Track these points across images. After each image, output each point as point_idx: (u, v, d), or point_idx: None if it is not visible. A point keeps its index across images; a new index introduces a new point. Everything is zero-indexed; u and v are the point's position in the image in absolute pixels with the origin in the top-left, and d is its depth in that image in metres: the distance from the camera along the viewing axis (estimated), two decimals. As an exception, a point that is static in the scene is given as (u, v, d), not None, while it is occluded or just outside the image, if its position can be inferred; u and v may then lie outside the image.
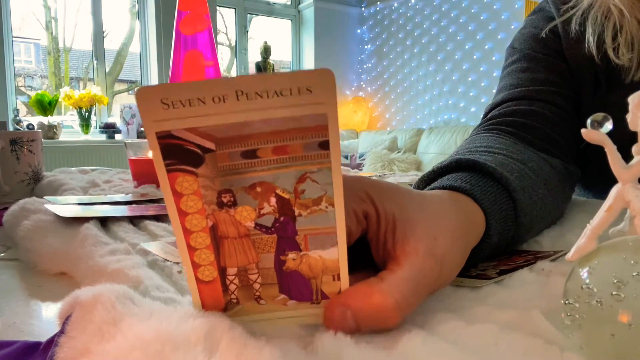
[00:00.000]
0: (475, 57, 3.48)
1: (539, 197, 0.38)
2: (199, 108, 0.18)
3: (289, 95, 0.18)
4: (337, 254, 0.22)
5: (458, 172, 0.35)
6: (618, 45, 0.50)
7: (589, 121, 0.21)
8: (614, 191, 0.21)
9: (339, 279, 0.22)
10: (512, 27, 3.19)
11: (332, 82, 0.19)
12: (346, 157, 3.66)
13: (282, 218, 0.21)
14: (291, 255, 0.22)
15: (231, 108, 0.19)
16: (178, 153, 0.19)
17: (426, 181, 0.37)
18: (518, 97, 0.53)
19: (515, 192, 0.34)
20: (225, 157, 0.20)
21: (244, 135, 0.20)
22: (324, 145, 0.20)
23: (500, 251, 0.35)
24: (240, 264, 0.22)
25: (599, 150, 0.21)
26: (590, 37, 0.52)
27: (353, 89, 4.41)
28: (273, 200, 0.21)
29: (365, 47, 4.33)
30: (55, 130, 3.09)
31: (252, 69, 3.91)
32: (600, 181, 0.58)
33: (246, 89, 0.18)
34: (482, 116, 0.56)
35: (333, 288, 0.22)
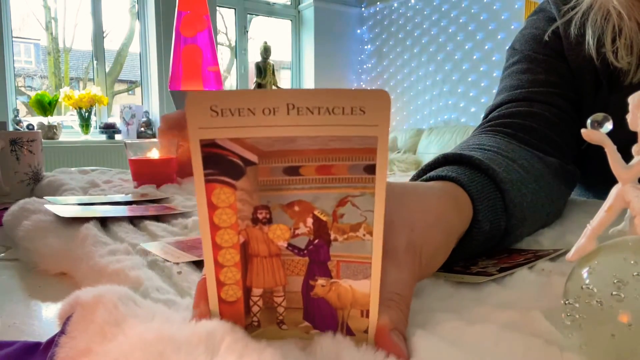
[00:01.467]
0: (475, 57, 3.48)
1: (529, 191, 0.38)
2: (247, 118, 0.18)
3: (340, 113, 0.18)
4: (369, 288, 0.20)
5: (445, 166, 0.36)
6: (617, 48, 0.50)
7: (589, 121, 0.21)
8: (614, 191, 0.21)
9: (367, 315, 0.21)
10: (512, 27, 3.19)
11: (388, 104, 0.18)
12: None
13: (316, 241, 0.20)
14: (321, 281, 0.21)
15: (280, 121, 0.18)
16: (219, 163, 0.19)
17: (415, 179, 0.37)
18: (518, 98, 0.53)
19: (503, 182, 0.34)
20: (266, 172, 0.20)
21: (288, 151, 0.19)
22: (370, 170, 0.19)
23: (495, 243, 0.35)
24: (267, 285, 0.21)
25: (600, 150, 0.21)
26: (589, 40, 0.52)
27: (353, 89, 4.41)
28: (310, 221, 0.20)
29: (365, 47, 4.33)
30: (55, 130, 3.09)
31: (252, 69, 3.91)
32: (601, 181, 0.58)
33: (298, 102, 0.18)
34: (482, 117, 0.56)
35: (360, 325, 0.21)
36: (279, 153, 0.19)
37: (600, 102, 0.54)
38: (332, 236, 0.20)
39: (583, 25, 0.53)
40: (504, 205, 0.34)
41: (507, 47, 0.62)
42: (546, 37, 0.56)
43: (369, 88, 4.33)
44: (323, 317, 0.21)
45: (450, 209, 0.30)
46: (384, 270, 0.22)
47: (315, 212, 0.20)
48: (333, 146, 0.19)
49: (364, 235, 0.20)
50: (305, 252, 0.20)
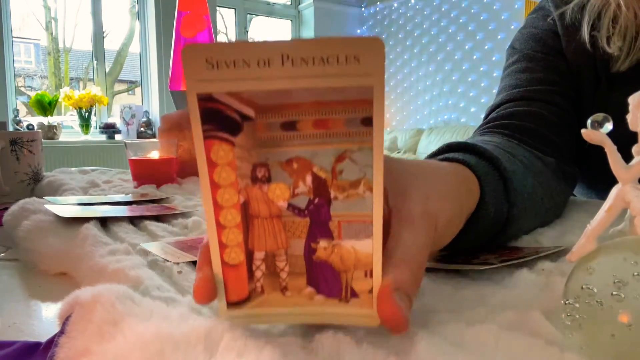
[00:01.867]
0: (475, 57, 3.48)
1: (529, 183, 0.38)
2: (243, 70, 0.18)
3: (335, 63, 0.18)
4: (372, 248, 0.20)
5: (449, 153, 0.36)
6: (611, 35, 0.50)
7: (589, 121, 0.21)
8: (614, 191, 0.21)
9: (371, 275, 0.20)
10: (512, 27, 3.19)
11: (382, 52, 0.18)
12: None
13: (316, 200, 0.20)
14: (323, 244, 0.20)
15: (275, 73, 0.18)
16: (217, 118, 0.19)
17: None
18: (516, 98, 0.54)
19: (506, 171, 0.34)
20: (264, 128, 0.19)
21: (285, 105, 0.19)
22: (367, 122, 0.19)
23: (498, 231, 0.35)
24: (269, 248, 0.21)
25: (601, 150, 0.21)
26: (585, 24, 0.52)
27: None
28: (309, 179, 0.20)
29: (365, 47, 4.32)
30: (55, 130, 3.09)
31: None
32: (603, 180, 0.58)
33: (292, 53, 0.18)
34: (483, 117, 0.57)
35: (364, 285, 0.21)
36: (275, 107, 0.19)
37: (600, 101, 0.54)
38: (332, 194, 0.20)
39: (580, 11, 0.53)
40: (506, 192, 0.34)
41: (507, 47, 0.62)
42: (545, 36, 0.56)
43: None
44: (327, 281, 0.21)
45: (461, 186, 0.30)
46: (398, 234, 0.22)
47: (314, 170, 0.20)
48: (330, 98, 0.19)
49: (364, 192, 0.20)
50: (306, 212, 0.20)
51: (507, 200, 0.34)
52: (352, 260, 0.20)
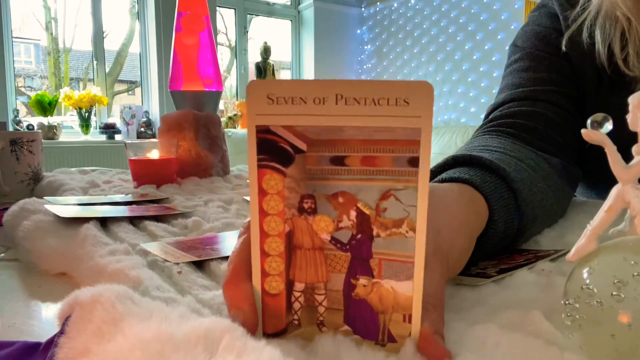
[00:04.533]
0: (475, 57, 3.48)
1: (538, 190, 0.38)
2: (299, 107, 0.19)
3: (385, 104, 0.19)
4: (412, 290, 0.20)
5: (455, 168, 0.36)
6: (627, 55, 0.50)
7: (589, 121, 0.21)
8: (614, 191, 0.21)
9: (409, 320, 0.20)
10: (512, 27, 3.19)
11: (431, 96, 0.19)
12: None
13: (359, 236, 0.20)
14: (362, 281, 0.20)
15: (329, 111, 0.19)
16: (272, 149, 0.20)
17: None
18: (519, 97, 0.53)
19: (514, 182, 0.34)
20: (314, 160, 0.20)
21: (336, 140, 0.20)
22: (414, 162, 0.19)
23: (507, 243, 0.35)
24: (309, 279, 0.21)
25: (601, 150, 0.21)
26: (600, 48, 0.51)
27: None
28: (353, 214, 0.20)
29: (365, 47, 4.32)
30: (55, 130, 3.09)
31: (252, 70, 3.91)
32: (603, 180, 0.58)
33: (346, 93, 0.19)
34: (484, 116, 0.56)
35: (402, 330, 0.20)
36: (327, 142, 0.20)
37: (602, 102, 0.53)
38: (375, 232, 0.20)
39: (588, 26, 0.52)
40: (517, 204, 0.34)
41: (510, 44, 0.61)
42: (548, 34, 0.55)
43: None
44: (364, 320, 0.21)
45: (470, 213, 0.30)
46: None
47: (359, 205, 0.20)
48: (378, 137, 0.19)
49: (406, 231, 0.20)
50: (348, 247, 0.21)
51: (518, 211, 0.34)
52: (391, 301, 0.20)
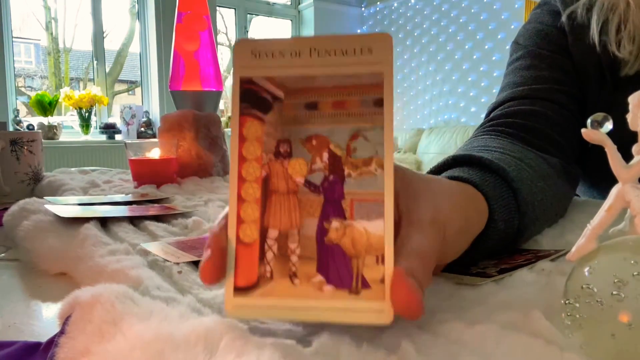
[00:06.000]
0: (475, 57, 3.48)
1: (538, 189, 0.38)
2: (279, 60, 0.22)
3: (352, 54, 0.22)
4: (383, 229, 0.20)
5: (455, 168, 0.36)
6: (621, 38, 0.50)
7: (589, 121, 0.21)
8: (614, 191, 0.21)
9: (382, 261, 0.20)
10: (512, 27, 3.19)
11: (390, 44, 0.22)
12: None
13: (331, 177, 0.22)
14: (335, 224, 0.21)
15: (304, 62, 0.22)
16: (253, 98, 0.22)
17: None
18: (520, 96, 0.53)
19: (514, 181, 0.34)
20: (290, 107, 0.23)
21: (310, 88, 0.22)
22: (379, 103, 0.22)
23: (507, 243, 0.35)
24: (283, 226, 0.22)
25: (601, 149, 0.21)
26: (594, 26, 0.51)
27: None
28: (326, 155, 0.22)
29: (365, 47, 4.33)
30: (55, 130, 3.09)
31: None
32: (604, 179, 0.58)
33: (318, 46, 0.22)
34: (484, 115, 0.56)
35: (376, 274, 0.20)
36: (302, 90, 0.22)
37: (604, 101, 0.53)
38: (346, 172, 0.22)
39: (588, 12, 0.52)
40: (517, 204, 0.34)
41: (511, 42, 0.61)
42: (551, 32, 0.55)
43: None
44: (337, 268, 0.21)
45: (469, 204, 0.30)
46: (408, 235, 0.23)
47: (331, 146, 0.22)
48: (347, 83, 0.22)
49: (375, 169, 0.21)
50: (321, 189, 0.22)
51: (518, 211, 0.34)
52: (364, 243, 0.21)
